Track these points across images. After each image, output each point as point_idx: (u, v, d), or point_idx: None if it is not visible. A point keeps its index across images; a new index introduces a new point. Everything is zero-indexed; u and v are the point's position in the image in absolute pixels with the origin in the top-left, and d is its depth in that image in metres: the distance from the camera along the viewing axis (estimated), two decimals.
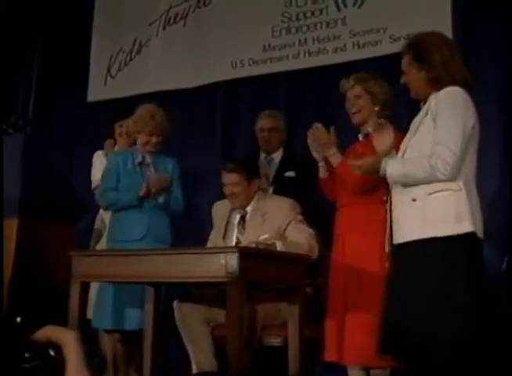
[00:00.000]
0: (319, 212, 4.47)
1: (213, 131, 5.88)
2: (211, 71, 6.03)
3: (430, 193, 3.16)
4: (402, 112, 4.57)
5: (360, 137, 4.01)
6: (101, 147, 5.33)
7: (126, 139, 5.05)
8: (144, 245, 4.39)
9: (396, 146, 3.46)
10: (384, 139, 3.42)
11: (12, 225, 4.00)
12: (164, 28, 6.45)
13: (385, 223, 3.56)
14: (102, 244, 4.85)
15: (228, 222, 4.21)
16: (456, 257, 3.11)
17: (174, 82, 6.20)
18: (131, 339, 4.56)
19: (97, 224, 5.05)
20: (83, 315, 3.73)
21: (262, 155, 5.04)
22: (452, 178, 3.12)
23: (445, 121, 3.14)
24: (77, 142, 6.57)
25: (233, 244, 4.13)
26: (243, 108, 5.79)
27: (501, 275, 4.27)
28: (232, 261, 3.14)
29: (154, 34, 6.49)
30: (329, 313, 3.88)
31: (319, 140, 3.91)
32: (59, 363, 1.65)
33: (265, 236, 3.88)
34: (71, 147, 6.55)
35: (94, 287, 4.35)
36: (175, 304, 4.08)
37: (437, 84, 3.25)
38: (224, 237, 4.21)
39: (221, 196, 4.42)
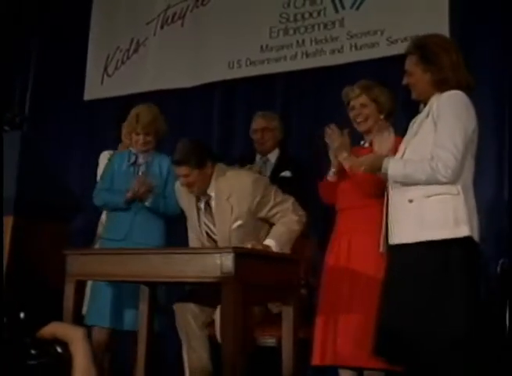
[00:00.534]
0: (315, 212, 4.47)
1: (210, 131, 5.88)
2: (208, 71, 6.03)
3: (428, 196, 3.17)
4: (398, 113, 4.57)
5: (366, 144, 3.99)
6: (97, 146, 5.33)
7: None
8: (125, 245, 4.40)
9: (395, 148, 3.47)
10: (384, 141, 3.42)
11: (7, 224, 3.99)
12: (161, 27, 6.44)
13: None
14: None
15: (199, 209, 4.07)
16: (452, 261, 3.12)
17: (171, 82, 6.20)
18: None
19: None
20: (78, 314, 3.73)
21: (258, 156, 5.04)
22: (453, 181, 3.14)
23: (447, 123, 3.16)
24: (73, 140, 6.57)
25: (204, 233, 4.03)
26: (240, 108, 5.79)
27: (495, 278, 4.27)
28: (228, 261, 3.14)
29: (152, 34, 6.48)
30: (320, 316, 3.87)
31: (334, 142, 3.87)
32: (66, 360, 1.64)
33: (252, 242, 3.81)
34: (67, 146, 6.55)
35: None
36: (175, 306, 4.07)
37: (442, 86, 3.26)
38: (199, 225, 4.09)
39: None
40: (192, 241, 4.13)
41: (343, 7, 5.54)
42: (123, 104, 5.78)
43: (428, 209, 3.16)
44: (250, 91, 5.88)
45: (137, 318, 4.21)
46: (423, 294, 3.13)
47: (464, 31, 4.94)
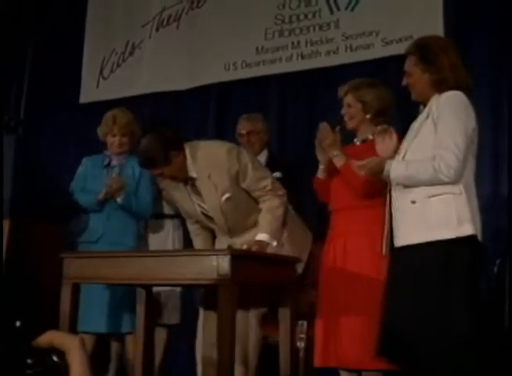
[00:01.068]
0: (305, 212, 4.48)
1: (205, 133, 5.87)
2: (204, 73, 6.03)
3: (430, 196, 3.19)
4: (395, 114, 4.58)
5: (358, 142, 4.01)
6: (93, 148, 5.32)
7: None
8: (99, 247, 4.44)
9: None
10: (387, 144, 3.42)
11: (3, 226, 3.99)
12: (157, 30, 6.44)
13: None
14: None
15: (189, 193, 4.06)
16: (456, 260, 3.14)
17: (167, 84, 6.20)
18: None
19: None
20: (74, 317, 3.72)
21: None
22: (455, 181, 3.16)
23: (447, 124, 3.17)
24: (69, 143, 6.56)
25: (200, 214, 4.04)
26: (235, 110, 5.78)
27: (493, 278, 4.28)
28: (224, 263, 3.14)
29: (147, 36, 6.48)
30: (320, 316, 3.88)
31: (325, 140, 3.89)
32: (63, 370, 1.64)
33: (249, 242, 3.80)
34: (63, 148, 6.54)
35: None
36: (201, 312, 4.09)
37: (441, 86, 3.28)
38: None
39: None
40: (192, 232, 4.24)
41: (338, 8, 5.54)
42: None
43: (431, 210, 3.18)
44: (246, 93, 5.88)
45: (123, 320, 4.27)
46: (427, 294, 3.15)
47: (459, 32, 4.94)
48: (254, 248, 3.68)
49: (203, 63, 6.06)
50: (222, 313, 3.19)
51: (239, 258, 3.24)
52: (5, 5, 6.72)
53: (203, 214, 4.03)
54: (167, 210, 4.91)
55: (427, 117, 3.28)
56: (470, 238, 3.15)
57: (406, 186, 3.25)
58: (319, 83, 5.45)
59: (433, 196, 3.18)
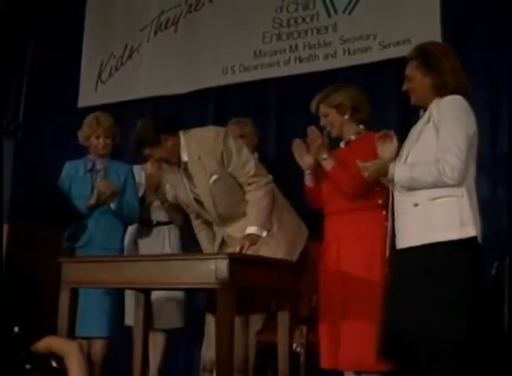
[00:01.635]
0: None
1: None
2: (202, 77, 6.04)
3: (433, 199, 3.22)
4: (391, 119, 4.62)
5: (342, 145, 4.05)
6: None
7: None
8: (87, 252, 4.47)
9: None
10: (387, 148, 3.43)
11: (3, 230, 3.98)
12: (155, 34, 6.46)
13: (383, 229, 3.61)
14: None
15: (182, 178, 4.14)
16: (457, 262, 3.17)
17: (165, 88, 6.21)
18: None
19: None
20: (72, 321, 3.72)
21: None
22: (459, 183, 3.19)
23: (449, 127, 3.21)
24: (67, 147, 6.55)
25: (193, 200, 4.10)
26: (234, 114, 5.77)
27: (491, 280, 4.28)
28: (222, 267, 3.14)
29: (145, 40, 6.50)
30: (322, 320, 3.89)
31: (313, 143, 3.92)
32: (61, 374, 1.64)
33: (240, 242, 3.82)
34: (62, 152, 6.53)
35: None
36: (208, 317, 4.12)
37: (441, 90, 3.32)
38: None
39: None
40: (196, 227, 4.35)
41: (335, 11, 5.56)
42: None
43: (434, 212, 3.21)
44: (244, 96, 5.89)
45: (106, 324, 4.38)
46: (427, 296, 3.17)
47: (456, 35, 4.95)
48: (245, 245, 3.73)
49: (201, 66, 6.07)
50: (221, 317, 3.19)
51: (237, 262, 3.23)
52: (5, 8, 6.73)
53: (196, 200, 4.08)
54: (162, 217, 4.92)
55: (428, 121, 3.30)
56: (472, 240, 3.18)
57: (409, 189, 3.27)
58: (316, 86, 5.44)
59: (436, 198, 3.22)
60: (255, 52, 5.82)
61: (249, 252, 3.72)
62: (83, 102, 6.67)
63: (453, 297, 3.13)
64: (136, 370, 4.02)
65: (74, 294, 3.63)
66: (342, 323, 3.75)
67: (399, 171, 3.27)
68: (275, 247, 3.94)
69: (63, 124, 6.61)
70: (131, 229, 4.96)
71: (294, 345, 3.94)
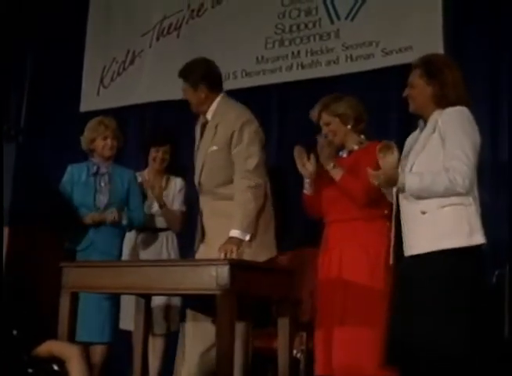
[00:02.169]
0: (294, 222, 4.49)
1: None
2: None
3: (442, 207, 3.26)
4: (392, 126, 4.62)
5: (344, 154, 4.05)
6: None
7: (159, 164, 5.10)
8: (88, 256, 4.51)
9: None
10: (388, 159, 3.44)
11: (3, 234, 3.99)
12: (157, 39, 6.46)
13: (387, 238, 3.62)
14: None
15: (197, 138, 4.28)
16: (467, 269, 3.21)
17: (167, 93, 6.19)
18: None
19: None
20: (73, 325, 3.72)
21: None
22: (469, 192, 3.24)
23: (456, 138, 3.25)
24: (69, 152, 6.55)
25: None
26: None
27: (491, 288, 4.28)
28: (223, 273, 3.15)
29: (148, 45, 6.50)
30: (319, 326, 3.89)
31: (323, 152, 3.92)
32: None
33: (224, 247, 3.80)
34: (63, 157, 6.53)
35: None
36: (185, 328, 4.10)
37: (441, 101, 3.37)
38: None
39: None
40: None
41: (338, 18, 5.56)
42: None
43: (443, 219, 3.24)
44: (246, 102, 5.86)
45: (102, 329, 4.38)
46: (435, 303, 3.19)
47: (458, 42, 4.96)
48: (229, 250, 3.70)
49: None
50: (221, 324, 3.19)
51: (238, 268, 3.24)
52: (6, 12, 6.74)
53: None
54: (160, 224, 4.93)
55: (433, 131, 3.33)
56: (479, 248, 3.24)
57: (418, 197, 3.29)
58: (318, 93, 5.44)
59: (445, 206, 3.25)
60: (257, 58, 5.82)
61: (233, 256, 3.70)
62: (85, 106, 6.67)
63: (460, 304, 3.16)
64: (136, 375, 4.03)
65: (75, 299, 3.64)
66: (340, 330, 3.75)
67: (410, 180, 3.29)
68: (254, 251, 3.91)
69: (64, 129, 6.61)
70: (130, 235, 4.97)
71: (294, 352, 3.94)
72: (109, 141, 4.75)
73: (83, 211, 4.62)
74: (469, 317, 3.15)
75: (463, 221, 3.23)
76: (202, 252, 4.08)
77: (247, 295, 3.56)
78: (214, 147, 4.02)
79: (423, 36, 5.03)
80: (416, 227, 3.30)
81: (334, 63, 5.48)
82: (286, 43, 5.74)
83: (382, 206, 3.81)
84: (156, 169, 5.12)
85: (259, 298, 3.89)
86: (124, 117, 6.47)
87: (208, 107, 4.14)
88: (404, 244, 3.37)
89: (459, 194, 3.22)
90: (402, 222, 3.40)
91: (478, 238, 3.23)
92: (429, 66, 3.43)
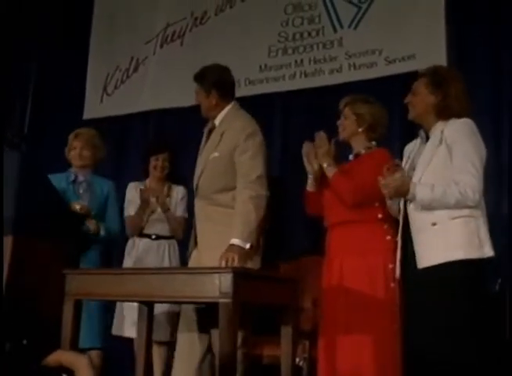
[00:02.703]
0: (299, 231, 4.49)
1: None
2: None
3: (452, 218, 3.29)
4: (394, 135, 4.62)
5: (350, 157, 4.06)
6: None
7: (160, 172, 5.11)
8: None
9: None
10: (394, 178, 3.43)
11: (6, 243, 3.98)
12: (161, 46, 6.48)
13: (384, 242, 3.63)
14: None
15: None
16: (477, 281, 3.27)
17: (171, 101, 6.22)
18: None
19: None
20: (76, 333, 3.72)
21: None
22: (478, 204, 3.29)
23: (464, 148, 3.30)
24: None
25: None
26: None
27: (494, 297, 4.28)
28: (226, 281, 3.15)
29: (151, 53, 6.52)
30: (323, 335, 3.89)
31: (320, 149, 3.94)
32: None
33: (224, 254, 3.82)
34: (67, 165, 6.54)
35: None
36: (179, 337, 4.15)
37: (443, 112, 3.42)
38: None
39: None
40: None
41: (341, 26, 5.57)
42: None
43: (453, 231, 3.28)
44: (249, 110, 5.87)
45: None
46: (446, 316, 3.21)
47: (462, 51, 4.97)
48: (230, 258, 3.72)
49: None
50: (224, 332, 3.18)
51: (241, 276, 3.24)
52: (9, 20, 6.76)
53: None
54: (162, 231, 4.93)
55: (440, 143, 3.35)
56: (487, 260, 3.28)
57: (428, 209, 3.30)
58: (322, 101, 5.47)
59: (455, 218, 3.29)
60: (260, 66, 5.84)
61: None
62: (88, 114, 6.68)
63: (467, 314, 3.21)
64: None
65: (78, 306, 3.64)
66: (343, 338, 3.76)
67: (421, 191, 3.31)
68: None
69: (68, 137, 6.62)
70: (131, 242, 4.98)
71: (297, 360, 3.94)
72: (77, 151, 4.83)
73: None
74: (475, 326, 3.18)
75: (474, 233, 3.26)
76: (194, 258, 4.13)
77: (250, 303, 3.56)
78: (217, 154, 4.06)
79: (427, 44, 5.04)
80: (426, 238, 3.33)
81: (337, 71, 5.50)
82: (290, 51, 5.75)
83: (376, 209, 3.82)
84: (158, 177, 5.14)
85: (262, 306, 3.89)
86: (127, 124, 6.50)
87: (218, 113, 4.21)
88: (416, 256, 3.38)
89: (469, 207, 3.26)
90: (411, 234, 3.40)
91: (488, 251, 3.27)
92: (435, 76, 3.48)
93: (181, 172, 5.39)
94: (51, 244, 4.20)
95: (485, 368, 3.17)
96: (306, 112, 5.60)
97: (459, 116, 3.37)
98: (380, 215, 3.83)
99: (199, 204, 4.17)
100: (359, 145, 4.03)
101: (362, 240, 3.83)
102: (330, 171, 3.92)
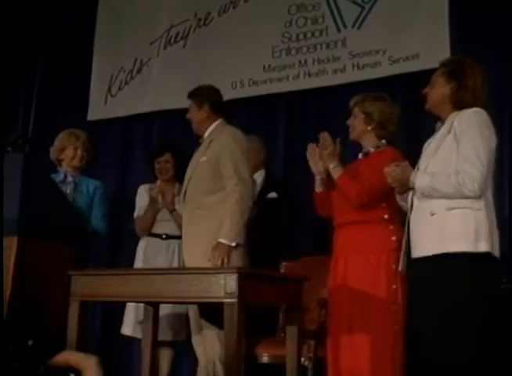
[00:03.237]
0: (304, 231, 4.48)
1: None
2: None
3: (450, 209, 3.22)
4: (399, 134, 4.60)
5: (360, 156, 4.06)
6: (101, 165, 5.35)
7: (165, 174, 5.13)
8: None
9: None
10: (396, 167, 3.43)
11: (11, 245, 3.99)
12: (164, 48, 6.48)
13: (389, 243, 3.63)
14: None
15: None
16: (470, 275, 3.17)
17: (174, 102, 6.20)
18: None
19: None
20: (82, 335, 3.72)
21: None
22: (478, 196, 3.20)
23: (471, 139, 3.23)
24: None
25: None
26: (242, 128, 5.79)
27: (500, 294, 4.27)
28: (232, 281, 3.15)
29: (155, 54, 6.53)
30: (330, 336, 3.89)
31: (324, 150, 3.93)
32: None
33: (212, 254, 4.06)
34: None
35: None
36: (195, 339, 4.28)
37: (457, 102, 3.36)
38: None
39: None
40: None
41: (345, 26, 5.57)
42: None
43: (450, 222, 3.21)
44: (253, 111, 5.90)
45: None
46: (440, 311, 3.17)
47: (465, 50, 4.96)
48: (220, 257, 4.03)
49: (210, 80, 6.02)
50: (229, 332, 3.19)
51: (246, 276, 3.24)
52: (14, 22, 6.77)
53: None
54: (171, 230, 4.93)
55: (449, 132, 3.31)
56: (486, 255, 3.18)
57: (427, 197, 3.28)
58: (325, 101, 5.47)
59: (452, 208, 3.22)
60: (264, 67, 5.84)
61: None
62: (92, 115, 6.69)
63: (462, 310, 3.14)
64: None
65: (84, 307, 3.64)
66: (347, 338, 3.76)
67: (420, 179, 3.28)
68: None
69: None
70: (142, 242, 4.99)
71: (302, 360, 3.94)
72: (79, 152, 4.85)
73: None
74: (472, 326, 3.13)
75: (470, 226, 3.18)
76: (184, 260, 4.33)
77: (255, 303, 3.57)
78: (204, 158, 4.30)
79: (430, 44, 5.04)
80: (423, 228, 3.29)
81: (341, 71, 5.49)
82: (293, 52, 5.76)
83: (382, 210, 3.82)
84: (164, 179, 5.14)
85: (267, 305, 3.90)
86: (131, 125, 6.50)
87: (207, 128, 4.48)
88: (411, 245, 3.36)
89: (468, 198, 3.19)
90: (410, 225, 3.39)
91: (483, 246, 3.17)
92: (453, 66, 3.43)
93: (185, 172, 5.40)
94: (56, 244, 4.21)
95: (488, 367, 3.15)
96: (310, 112, 5.60)
97: (472, 107, 3.31)
98: (386, 216, 3.82)
99: (185, 208, 4.36)
100: (369, 144, 4.00)
101: (367, 240, 3.83)
102: (336, 172, 3.90)
